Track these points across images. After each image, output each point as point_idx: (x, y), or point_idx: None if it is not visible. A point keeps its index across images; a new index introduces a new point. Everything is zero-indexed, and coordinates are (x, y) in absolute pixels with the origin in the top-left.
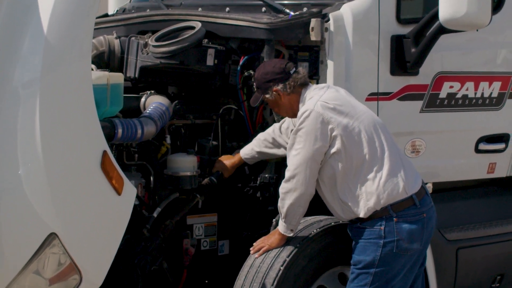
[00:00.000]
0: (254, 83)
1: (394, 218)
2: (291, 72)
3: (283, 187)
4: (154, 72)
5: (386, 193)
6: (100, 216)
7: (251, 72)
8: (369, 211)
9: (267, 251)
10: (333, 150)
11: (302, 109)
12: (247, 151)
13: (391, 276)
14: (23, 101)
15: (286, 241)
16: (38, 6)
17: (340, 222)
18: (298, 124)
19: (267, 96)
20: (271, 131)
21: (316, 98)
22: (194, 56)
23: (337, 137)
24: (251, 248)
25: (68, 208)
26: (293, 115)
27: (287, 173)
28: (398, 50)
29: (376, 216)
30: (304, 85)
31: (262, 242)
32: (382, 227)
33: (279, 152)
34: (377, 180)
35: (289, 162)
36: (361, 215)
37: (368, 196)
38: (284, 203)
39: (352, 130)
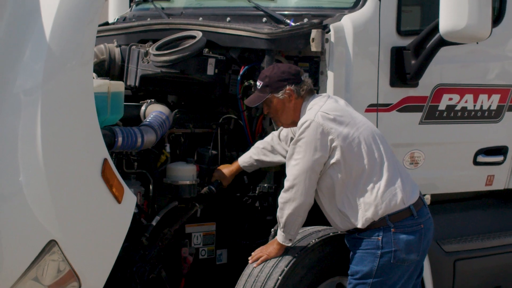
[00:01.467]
0: (262, 82)
1: (391, 229)
2: (303, 77)
3: (282, 197)
4: (155, 81)
5: (384, 203)
6: (100, 224)
7: (251, 82)
8: (367, 221)
9: (265, 260)
10: (332, 160)
11: (302, 119)
12: (245, 159)
13: (388, 287)
14: (24, 107)
15: (285, 250)
16: (40, 12)
17: (339, 232)
18: (298, 134)
19: (277, 95)
20: (270, 139)
21: (316, 109)
22: (194, 65)
23: (337, 147)
24: (249, 258)
25: (68, 215)
26: (292, 123)
27: (286, 183)
28: (398, 61)
29: (374, 227)
30: (311, 92)
31: (260, 252)
32: (380, 238)
33: (278, 159)
34: (375, 191)
35: (289, 172)
36: (359, 225)
37: (366, 207)
38: (283, 213)
39: (352, 141)
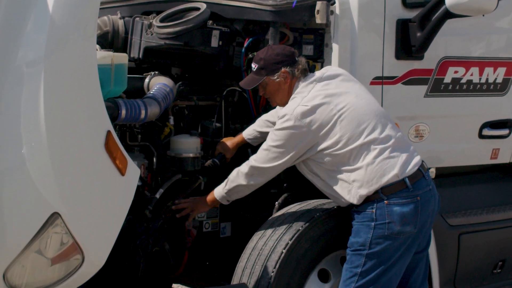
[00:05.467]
0: (257, 64)
1: (385, 201)
2: (296, 58)
3: (244, 169)
4: (158, 53)
5: (374, 179)
6: (103, 196)
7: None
8: (361, 198)
9: (190, 214)
10: (314, 150)
11: (282, 110)
12: (249, 131)
13: (384, 259)
14: (27, 80)
15: (289, 224)
16: None
17: (343, 206)
18: (277, 124)
19: (273, 78)
20: (274, 112)
21: (298, 101)
22: (198, 38)
23: (314, 139)
24: (173, 207)
25: (71, 188)
26: (287, 102)
27: (254, 162)
28: (403, 34)
29: (368, 200)
30: (305, 72)
31: (188, 204)
32: (374, 210)
33: None
34: (364, 168)
35: (259, 153)
36: (355, 202)
37: (358, 184)
38: (237, 180)
39: (332, 128)
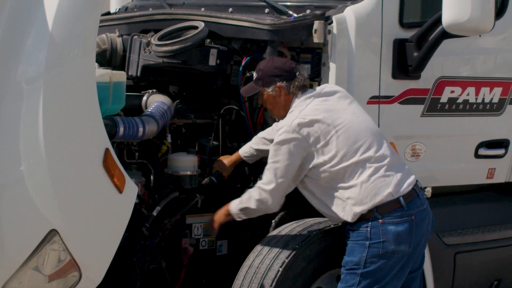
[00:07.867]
0: (256, 74)
1: (379, 220)
2: (297, 74)
3: (255, 196)
4: (156, 71)
5: (369, 197)
6: (101, 214)
7: (253, 72)
8: (356, 216)
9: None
10: (311, 165)
11: (280, 123)
12: (246, 149)
13: (378, 277)
14: (27, 96)
15: (286, 243)
16: (43, 1)
17: (339, 224)
18: (276, 137)
19: (268, 90)
20: (270, 130)
21: (296, 114)
22: (196, 56)
23: (311, 153)
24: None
25: (69, 205)
26: (284, 116)
27: (263, 185)
28: (400, 54)
29: (363, 219)
30: (303, 88)
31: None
32: (368, 229)
33: None
34: (359, 187)
35: (266, 173)
36: (349, 220)
37: (352, 202)
38: (248, 203)
39: (327, 143)
